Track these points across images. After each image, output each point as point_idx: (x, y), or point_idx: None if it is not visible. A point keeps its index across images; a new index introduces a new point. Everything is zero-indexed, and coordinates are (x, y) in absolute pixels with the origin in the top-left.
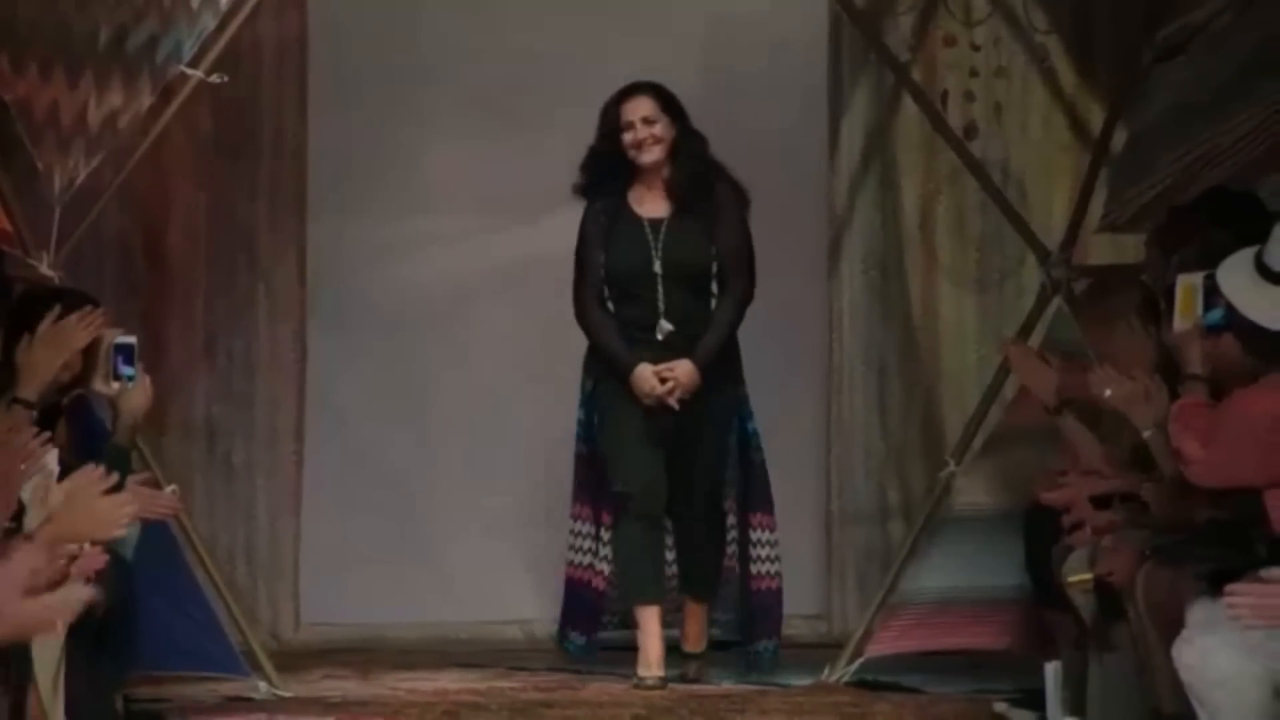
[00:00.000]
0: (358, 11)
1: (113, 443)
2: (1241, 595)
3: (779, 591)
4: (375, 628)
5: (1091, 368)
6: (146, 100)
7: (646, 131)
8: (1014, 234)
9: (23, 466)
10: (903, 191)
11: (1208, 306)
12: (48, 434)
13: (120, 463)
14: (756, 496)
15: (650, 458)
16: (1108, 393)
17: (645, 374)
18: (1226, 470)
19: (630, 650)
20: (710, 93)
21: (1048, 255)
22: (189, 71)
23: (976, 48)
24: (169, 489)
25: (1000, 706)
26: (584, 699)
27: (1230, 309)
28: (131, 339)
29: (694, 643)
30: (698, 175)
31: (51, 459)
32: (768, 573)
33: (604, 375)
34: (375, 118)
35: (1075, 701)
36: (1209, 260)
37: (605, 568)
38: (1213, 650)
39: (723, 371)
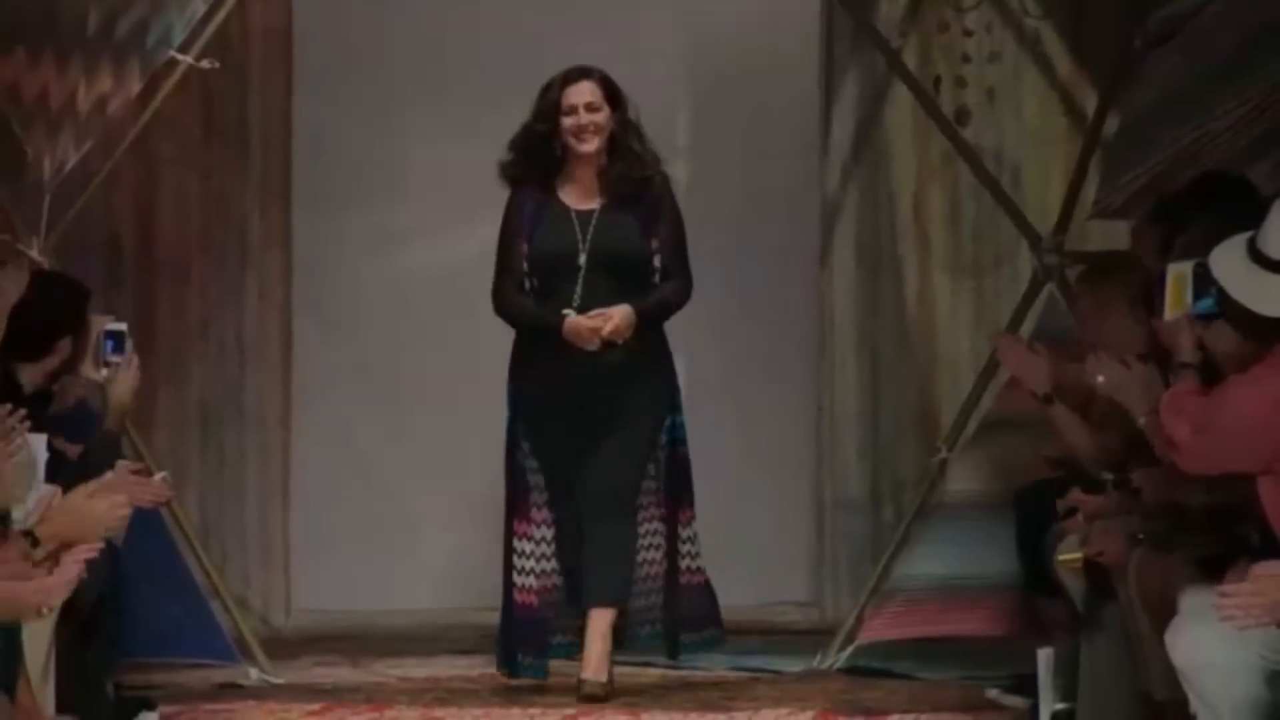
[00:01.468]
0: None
1: (102, 429)
2: (1232, 596)
3: (707, 585)
4: (366, 614)
5: (1082, 356)
6: (136, 86)
7: (588, 118)
8: (1008, 220)
9: (5, 451)
10: (896, 177)
11: (1198, 295)
12: (22, 411)
13: (109, 449)
14: (682, 492)
15: (579, 461)
16: (1100, 379)
17: (576, 319)
18: (1218, 457)
19: None
20: (703, 77)
21: (1039, 241)
22: (179, 57)
23: (969, 33)
24: (159, 476)
25: (992, 693)
26: (574, 686)
27: (1222, 295)
28: (122, 325)
29: (596, 667)
30: (634, 167)
31: (40, 445)
32: (695, 568)
33: (527, 379)
34: (361, 106)
35: (1067, 687)
36: (1207, 246)
37: (533, 582)
38: (1204, 638)
39: (650, 362)
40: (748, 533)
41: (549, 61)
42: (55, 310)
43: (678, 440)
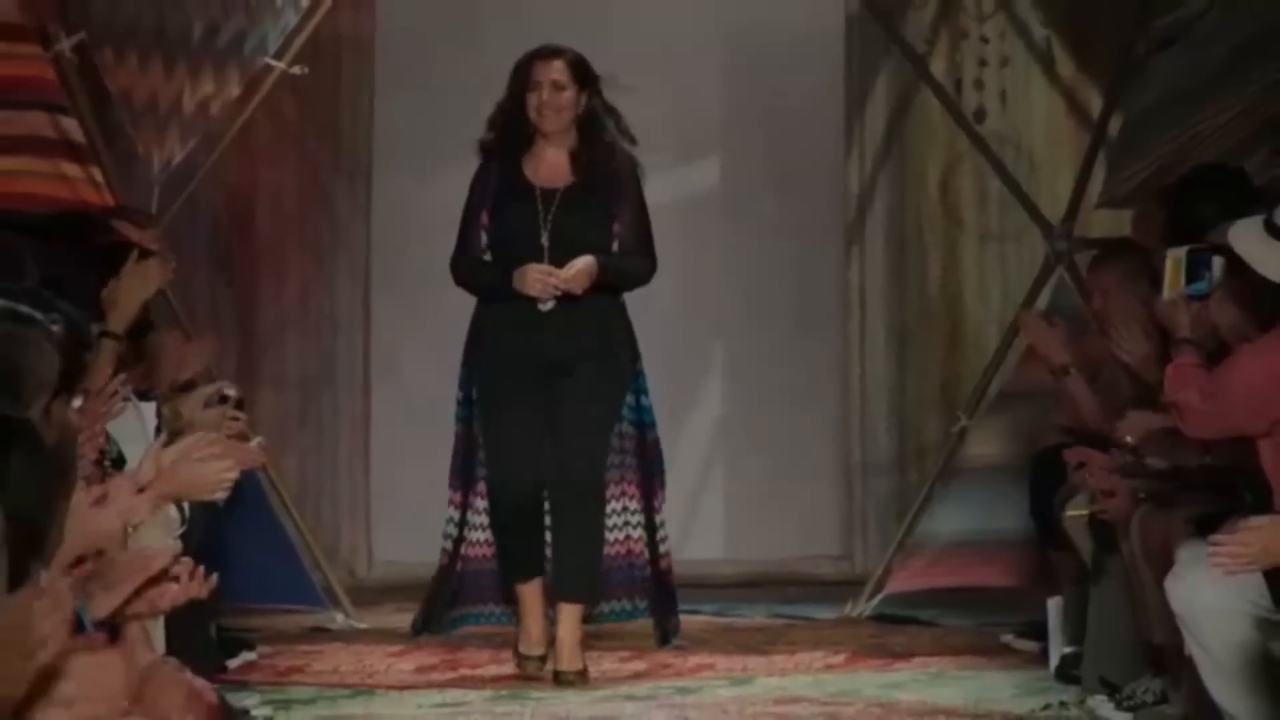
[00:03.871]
0: (420, 7)
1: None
2: (1223, 545)
3: (669, 575)
4: None
5: (1089, 333)
6: (235, 89)
7: (552, 96)
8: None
9: (104, 409)
10: (923, 164)
11: (1191, 278)
12: (123, 375)
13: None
14: (655, 476)
15: (532, 439)
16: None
17: (527, 266)
18: (1224, 421)
19: None
20: (737, 66)
21: (1051, 229)
22: (273, 63)
23: (986, 40)
24: (255, 441)
25: (1007, 637)
26: (630, 629)
27: (1229, 274)
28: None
29: (569, 659)
30: (602, 150)
31: (150, 411)
32: (664, 553)
33: (482, 357)
34: (435, 102)
35: (1075, 633)
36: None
37: (473, 551)
38: (1200, 585)
39: (612, 340)
40: (785, 492)
41: (613, 53)
42: None
43: (646, 424)
